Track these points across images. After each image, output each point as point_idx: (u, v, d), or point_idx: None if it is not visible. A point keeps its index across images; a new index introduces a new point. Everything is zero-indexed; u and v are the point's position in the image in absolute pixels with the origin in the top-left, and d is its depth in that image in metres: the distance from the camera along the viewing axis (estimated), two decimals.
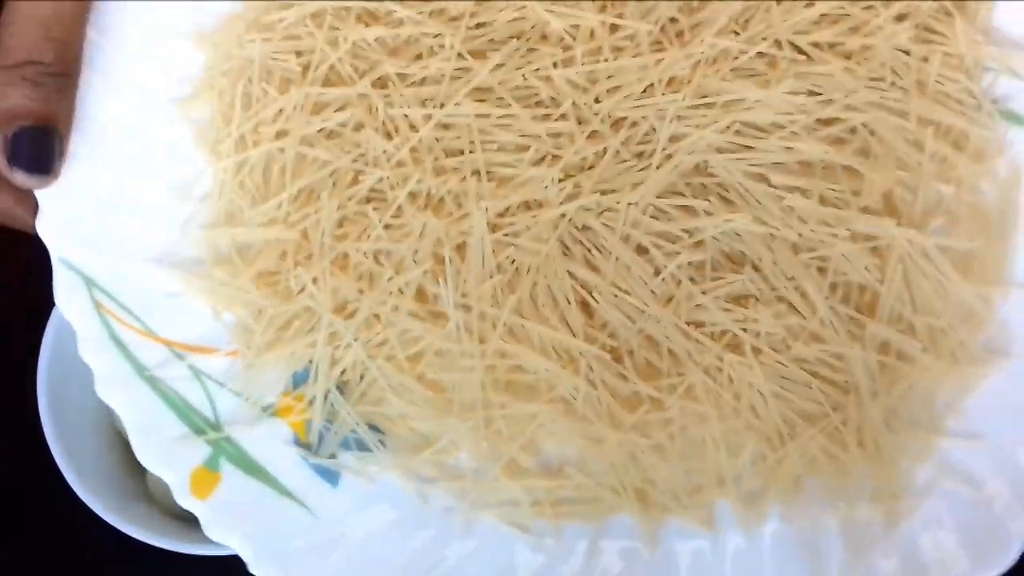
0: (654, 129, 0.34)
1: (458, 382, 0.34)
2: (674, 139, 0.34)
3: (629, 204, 0.34)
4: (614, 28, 0.34)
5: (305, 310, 0.35)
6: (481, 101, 0.34)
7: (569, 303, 0.34)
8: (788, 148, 0.34)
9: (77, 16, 0.33)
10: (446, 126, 0.35)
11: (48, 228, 0.34)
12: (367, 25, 0.35)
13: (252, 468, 0.34)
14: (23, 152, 0.32)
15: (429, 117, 0.34)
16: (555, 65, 0.34)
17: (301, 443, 0.35)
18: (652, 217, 0.34)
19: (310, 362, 0.35)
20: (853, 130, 0.34)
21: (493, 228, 0.34)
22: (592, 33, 0.34)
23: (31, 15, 0.32)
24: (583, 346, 0.34)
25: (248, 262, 0.35)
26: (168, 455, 0.34)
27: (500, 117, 0.34)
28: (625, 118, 0.34)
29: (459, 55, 0.34)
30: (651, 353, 0.34)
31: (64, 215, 0.34)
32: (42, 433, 0.40)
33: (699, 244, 0.34)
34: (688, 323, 0.34)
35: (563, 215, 0.34)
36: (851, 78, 0.34)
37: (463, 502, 0.34)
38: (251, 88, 0.35)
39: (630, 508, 0.34)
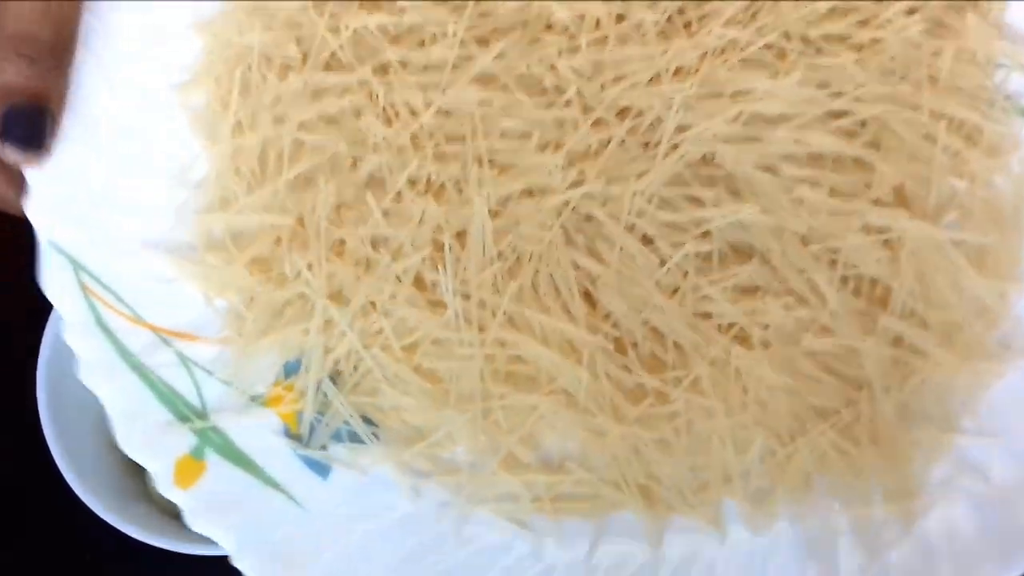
0: (660, 119, 0.33)
1: (456, 372, 0.33)
2: (680, 129, 0.33)
3: (634, 193, 0.33)
4: (620, 18, 0.34)
5: (299, 297, 0.34)
6: (484, 89, 0.34)
7: (572, 292, 0.33)
8: (797, 140, 0.33)
9: None
10: (447, 113, 0.34)
11: (37, 210, 0.33)
12: (369, 13, 0.34)
13: (239, 458, 0.33)
14: (15, 129, 0.32)
15: (430, 103, 0.33)
16: (559, 54, 0.34)
17: (291, 434, 0.34)
18: (657, 207, 0.33)
19: (303, 352, 0.34)
20: (863, 123, 0.34)
21: (494, 215, 0.33)
22: (598, 23, 0.34)
23: None
24: (586, 336, 0.32)
25: (242, 249, 0.34)
26: (152, 443, 0.32)
27: (503, 104, 0.33)
28: (630, 107, 0.34)
29: (462, 43, 0.33)
30: (656, 345, 0.33)
31: (54, 196, 0.33)
32: (42, 433, 0.40)
33: (706, 235, 0.33)
34: (694, 315, 0.33)
35: (567, 203, 0.33)
36: (861, 71, 0.33)
37: (459, 496, 0.33)
38: (250, 75, 0.35)
39: (633, 505, 0.33)
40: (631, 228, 0.33)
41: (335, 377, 0.34)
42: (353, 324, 0.33)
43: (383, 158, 0.33)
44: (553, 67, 0.34)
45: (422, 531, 0.33)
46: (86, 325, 0.33)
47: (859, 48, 0.34)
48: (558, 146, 0.33)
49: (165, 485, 0.32)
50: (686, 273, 0.33)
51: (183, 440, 0.33)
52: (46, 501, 0.44)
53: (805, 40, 0.34)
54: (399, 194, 0.33)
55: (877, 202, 0.33)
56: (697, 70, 0.33)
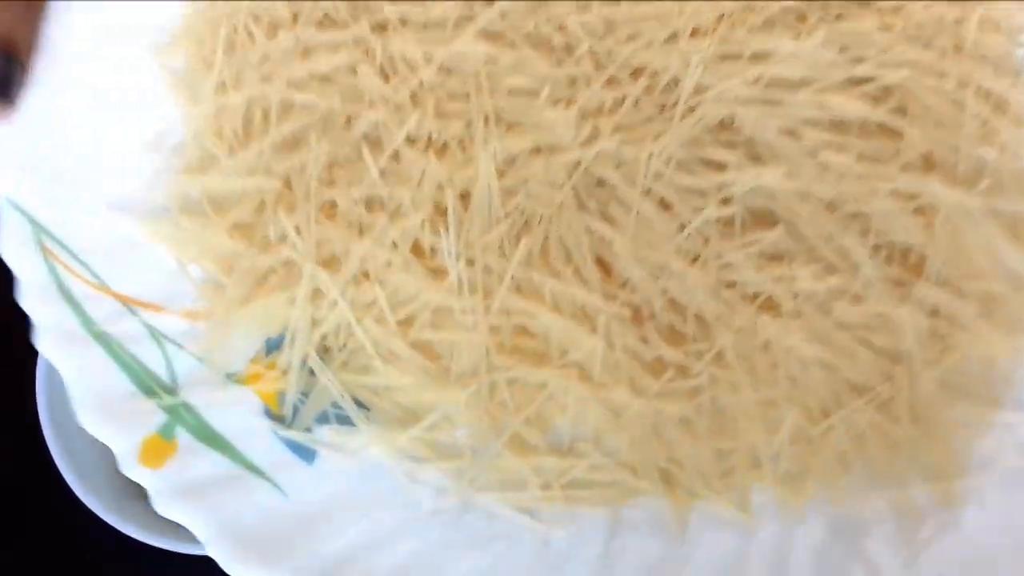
0: (677, 79, 0.31)
1: (457, 345, 0.30)
2: (698, 90, 0.31)
3: (650, 155, 0.31)
4: None
5: (284, 264, 0.31)
6: (490, 45, 0.31)
7: (584, 257, 0.30)
8: (821, 104, 0.31)
9: None
10: (450, 71, 0.32)
11: None
12: None
13: (213, 439, 0.29)
14: None
15: (431, 59, 0.31)
16: (569, 13, 0.32)
17: (272, 415, 0.30)
18: (675, 171, 0.31)
19: (285, 326, 0.31)
20: (888, 89, 0.32)
21: (501, 175, 0.31)
22: None
23: None
24: (600, 303, 0.30)
25: (222, 214, 0.31)
26: (115, 419, 0.29)
27: (510, 61, 0.31)
28: (645, 67, 0.32)
29: None
30: (675, 316, 0.30)
31: (16, 151, 0.30)
32: (42, 433, 0.40)
33: (726, 201, 0.31)
34: (717, 283, 0.30)
35: (579, 162, 0.31)
36: (885, 36, 0.32)
37: (459, 482, 0.30)
38: (235, 36, 0.32)
39: (654, 491, 0.29)
40: (647, 192, 0.31)
41: (321, 354, 0.31)
42: (345, 293, 0.30)
43: (380, 115, 0.31)
44: (562, 26, 0.32)
45: (417, 521, 0.30)
46: (45, 289, 0.30)
47: (881, 14, 0.32)
48: (569, 103, 0.31)
49: (129, 465, 0.28)
50: (707, 239, 0.31)
51: (151, 418, 0.29)
52: (46, 501, 0.44)
53: (825, 7, 0.32)
54: (397, 153, 0.31)
55: (906, 167, 0.31)
56: (715, 30, 0.32)
